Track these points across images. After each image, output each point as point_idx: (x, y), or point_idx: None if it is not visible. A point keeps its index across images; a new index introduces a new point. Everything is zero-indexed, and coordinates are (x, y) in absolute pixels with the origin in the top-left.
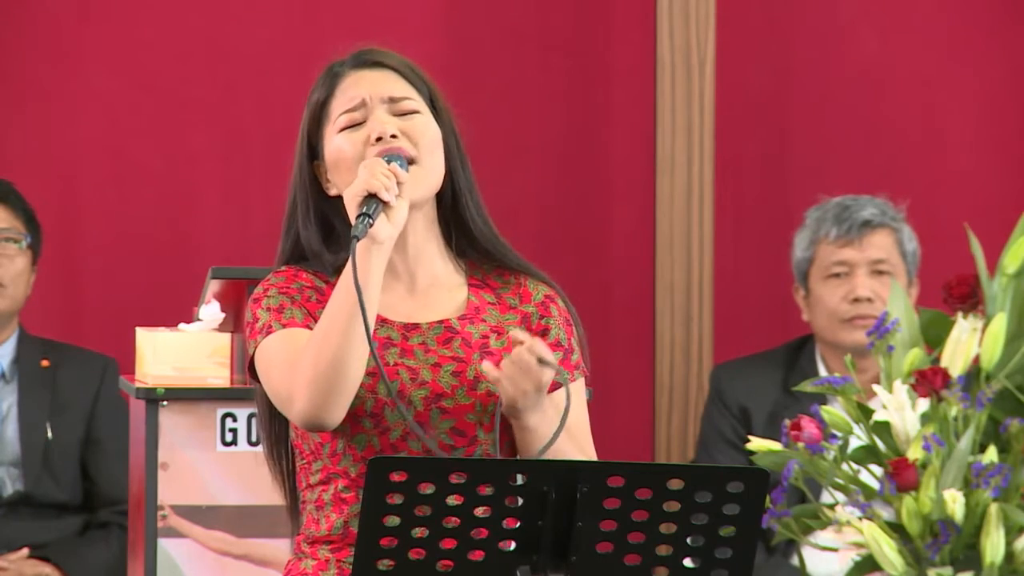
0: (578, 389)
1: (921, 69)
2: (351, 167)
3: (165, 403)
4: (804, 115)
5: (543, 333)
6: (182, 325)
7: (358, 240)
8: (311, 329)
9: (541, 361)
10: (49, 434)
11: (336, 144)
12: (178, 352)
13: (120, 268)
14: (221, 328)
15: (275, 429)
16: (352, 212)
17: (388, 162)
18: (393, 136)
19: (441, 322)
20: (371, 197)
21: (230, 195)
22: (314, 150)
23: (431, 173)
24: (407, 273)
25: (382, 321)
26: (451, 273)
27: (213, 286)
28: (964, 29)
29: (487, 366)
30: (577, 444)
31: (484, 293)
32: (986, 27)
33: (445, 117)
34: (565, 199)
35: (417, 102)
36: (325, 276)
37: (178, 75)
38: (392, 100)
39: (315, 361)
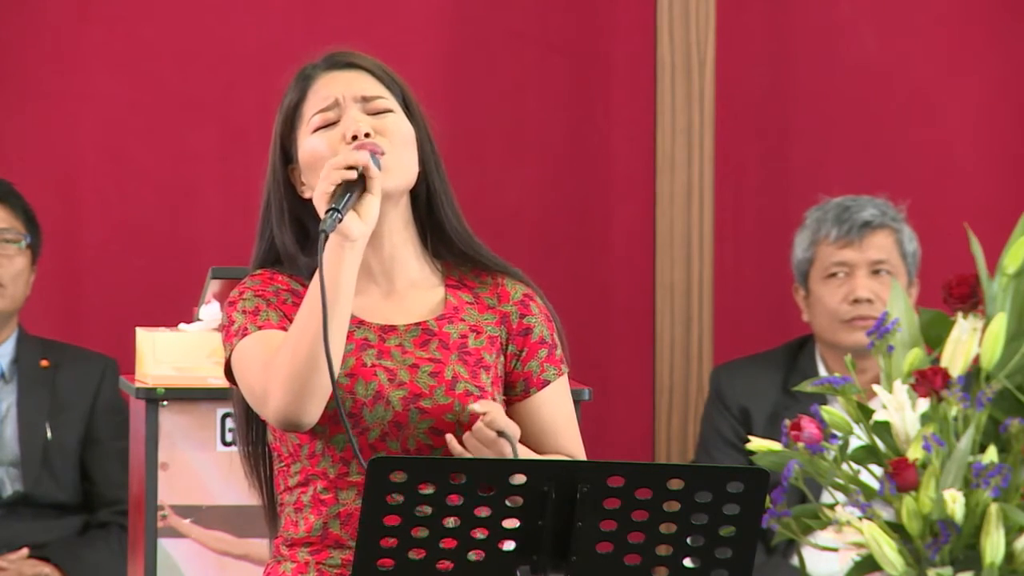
0: (564, 384)
1: (921, 69)
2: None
3: (165, 403)
4: (804, 115)
5: (525, 332)
6: (182, 325)
7: (326, 234)
8: (287, 331)
9: (501, 434)
10: (48, 434)
11: (310, 144)
12: (178, 352)
13: (120, 268)
14: (220, 329)
15: (252, 433)
16: (321, 208)
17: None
18: (367, 135)
19: (418, 324)
20: (339, 189)
21: (230, 195)
22: (287, 154)
23: (403, 168)
24: (383, 275)
25: (359, 323)
26: (428, 275)
27: (213, 286)
28: (964, 29)
29: (450, 439)
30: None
31: (462, 293)
32: (986, 27)
33: (419, 118)
34: (565, 199)
35: (390, 101)
36: (301, 279)
37: (178, 75)
38: (365, 99)
39: (291, 359)
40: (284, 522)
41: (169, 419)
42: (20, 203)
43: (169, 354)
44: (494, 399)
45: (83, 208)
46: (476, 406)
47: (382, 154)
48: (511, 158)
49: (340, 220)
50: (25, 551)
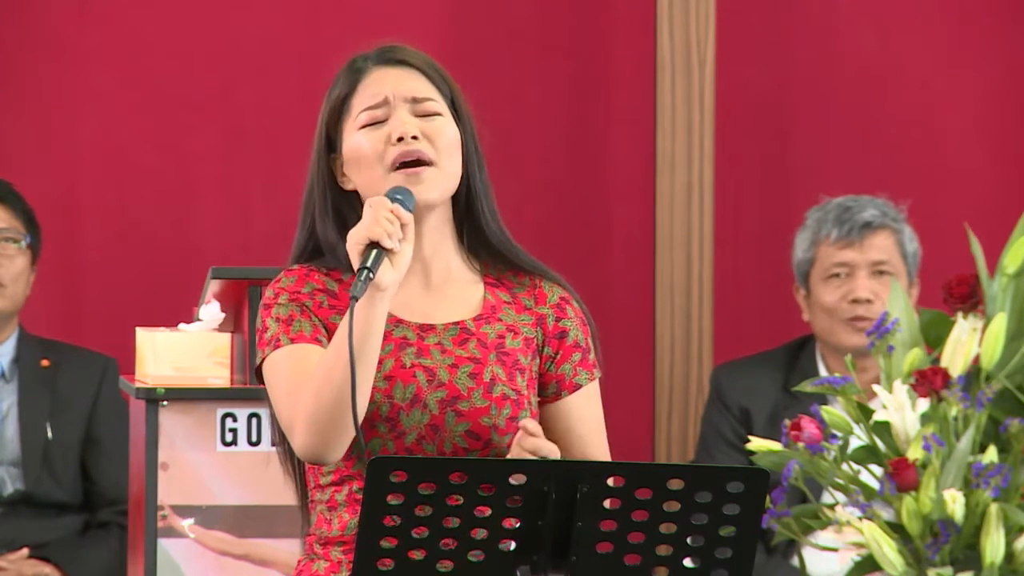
0: (595, 389)
1: (921, 69)
2: (370, 165)
3: (165, 403)
4: (804, 115)
5: (561, 335)
6: (182, 325)
7: (356, 300)
8: (319, 343)
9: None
10: (49, 434)
11: (356, 141)
12: (178, 352)
13: (120, 268)
14: (221, 328)
15: (281, 430)
16: (354, 260)
17: (393, 199)
18: (414, 138)
19: (457, 323)
20: (374, 245)
21: (230, 195)
22: (332, 143)
23: (447, 177)
24: (422, 272)
25: (397, 321)
26: (466, 271)
27: (213, 286)
28: (964, 28)
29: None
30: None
31: (500, 292)
32: (986, 26)
33: (465, 119)
34: (565, 199)
35: (439, 104)
36: (339, 274)
37: (178, 75)
38: (415, 100)
39: (316, 398)
40: (316, 519)
41: (169, 419)
42: (20, 203)
43: (169, 354)
44: (529, 402)
45: (83, 208)
46: (526, 423)
47: (428, 162)
48: (511, 158)
49: (372, 279)
50: (25, 551)
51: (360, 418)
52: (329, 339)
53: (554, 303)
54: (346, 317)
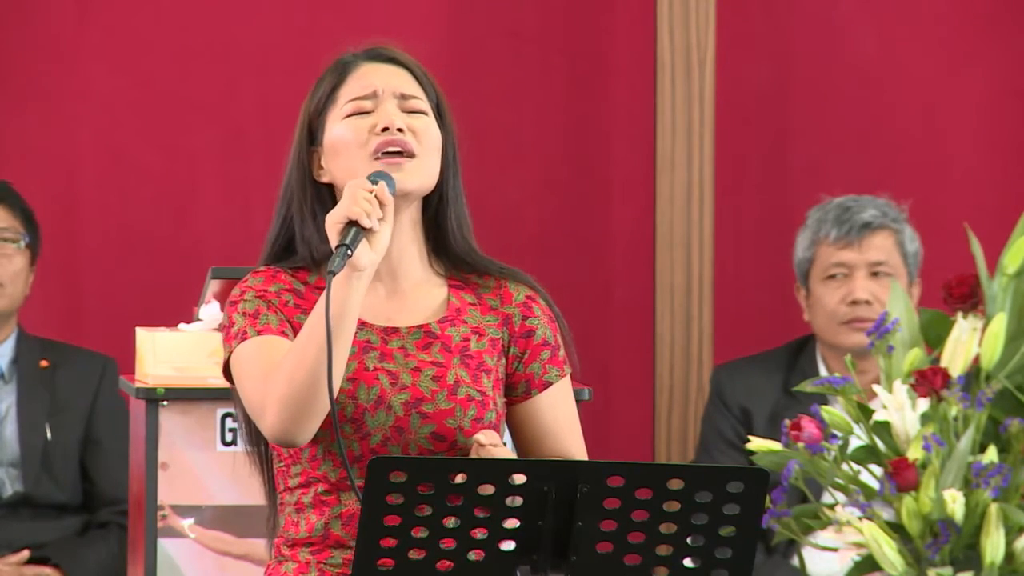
0: (567, 385)
1: (921, 68)
2: (352, 152)
3: (165, 403)
4: (804, 114)
5: (528, 334)
6: (182, 325)
7: (334, 275)
8: (286, 336)
9: None
10: (48, 434)
11: (339, 130)
12: (178, 352)
13: (120, 268)
14: (221, 328)
15: (253, 432)
16: (332, 240)
17: (374, 182)
18: (400, 130)
19: (420, 327)
20: (352, 224)
21: (230, 195)
22: (314, 135)
23: (426, 172)
24: (389, 274)
25: (362, 324)
26: (431, 275)
27: (213, 286)
28: (964, 28)
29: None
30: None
31: (464, 294)
32: (986, 26)
33: (448, 125)
34: (565, 199)
35: (425, 104)
36: (305, 275)
37: (178, 75)
38: (403, 96)
39: (289, 379)
40: (284, 522)
41: (169, 419)
42: (19, 203)
43: (169, 354)
44: (495, 403)
45: (83, 208)
46: (480, 436)
47: (410, 153)
48: (511, 158)
49: (350, 256)
50: (25, 553)
51: (336, 390)
52: (295, 335)
53: (520, 302)
54: (323, 295)
